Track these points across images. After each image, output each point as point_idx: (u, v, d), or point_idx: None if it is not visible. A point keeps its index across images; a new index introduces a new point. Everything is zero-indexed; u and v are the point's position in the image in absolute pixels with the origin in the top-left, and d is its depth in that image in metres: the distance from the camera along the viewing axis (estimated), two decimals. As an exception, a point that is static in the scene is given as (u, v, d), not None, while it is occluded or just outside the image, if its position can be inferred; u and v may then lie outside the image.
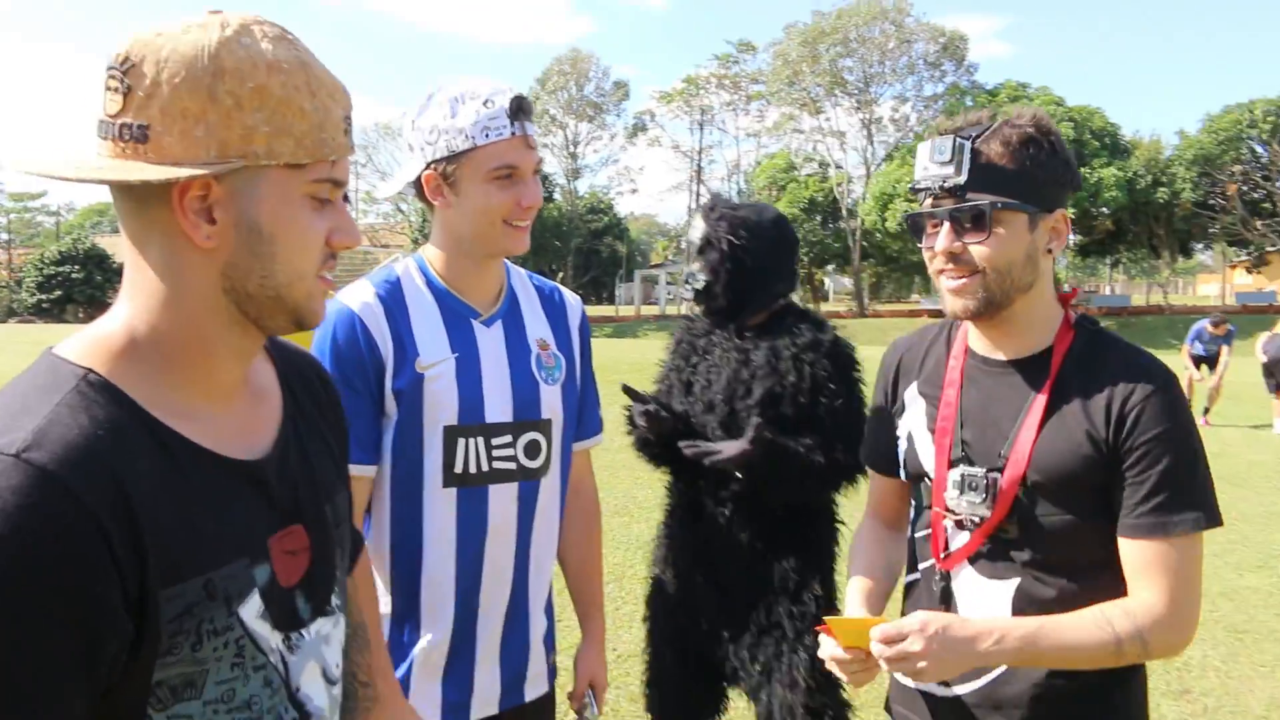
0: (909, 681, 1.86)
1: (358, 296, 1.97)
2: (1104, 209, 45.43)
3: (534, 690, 2.16)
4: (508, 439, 2.01)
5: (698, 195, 68.06)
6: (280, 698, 1.12)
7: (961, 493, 1.73)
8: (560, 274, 59.62)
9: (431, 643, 2.01)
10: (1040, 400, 1.69)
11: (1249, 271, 55.75)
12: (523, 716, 2.14)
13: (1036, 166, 1.64)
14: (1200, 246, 56.95)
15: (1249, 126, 44.85)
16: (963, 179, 1.63)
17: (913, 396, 1.90)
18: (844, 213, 54.14)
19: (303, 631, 1.15)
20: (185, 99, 1.01)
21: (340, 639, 1.23)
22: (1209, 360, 14.64)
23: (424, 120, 1.93)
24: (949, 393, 1.80)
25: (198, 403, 1.09)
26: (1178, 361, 13.90)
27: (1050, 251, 1.71)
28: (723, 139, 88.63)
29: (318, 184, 1.09)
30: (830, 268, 62.68)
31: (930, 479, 1.82)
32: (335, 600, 1.21)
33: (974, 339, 1.82)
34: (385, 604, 2.00)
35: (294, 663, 1.13)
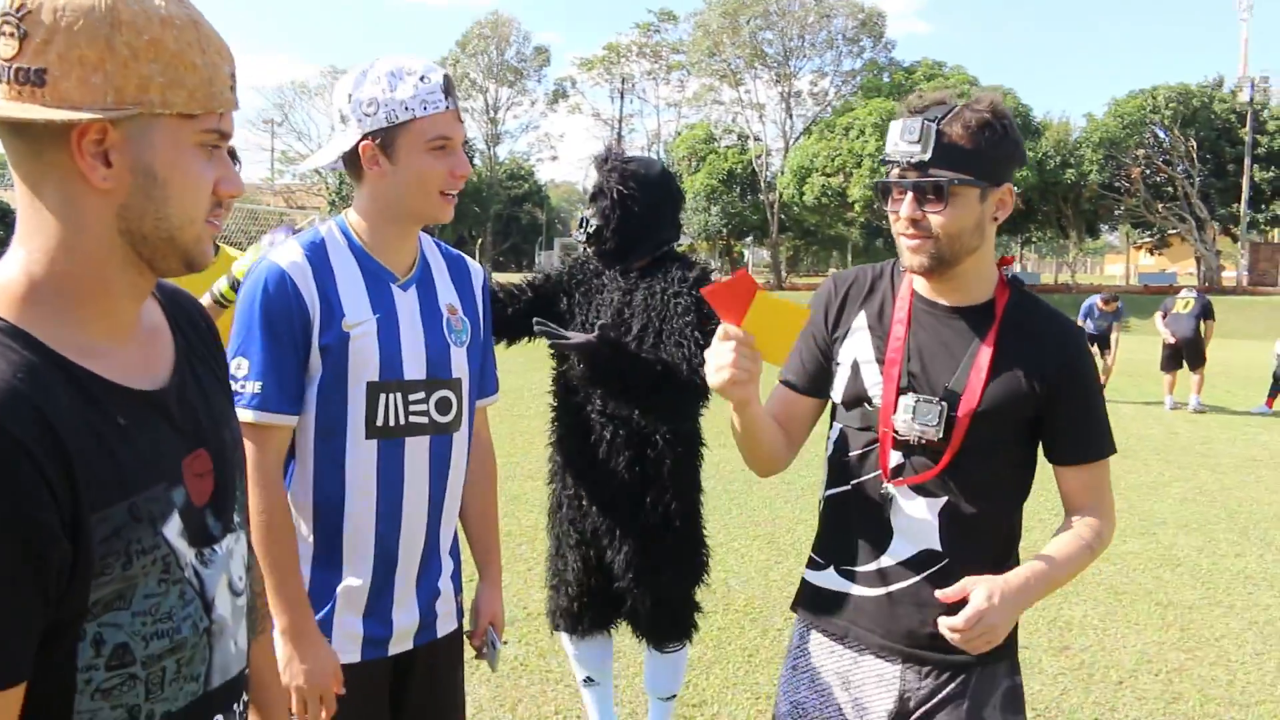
0: (825, 583, 2.15)
1: (287, 255, 2.09)
2: (1015, 188, 46.49)
3: (445, 627, 2.32)
4: (421, 395, 2.16)
5: (618, 164, 68.02)
6: (195, 607, 1.20)
7: (912, 416, 1.99)
8: (480, 240, 59.22)
9: (353, 583, 2.15)
10: (987, 346, 2.00)
11: (1151, 253, 57.56)
12: (434, 652, 2.29)
13: (990, 147, 1.91)
14: (1106, 228, 58.62)
15: (1152, 112, 46.17)
16: (927, 156, 1.90)
17: (859, 325, 2.12)
18: (762, 185, 54.54)
19: (215, 547, 1.25)
20: (83, 46, 1.05)
21: (243, 554, 1.34)
22: (1099, 339, 14.79)
23: (361, 93, 2.05)
24: (897, 329, 2.06)
25: (100, 340, 1.15)
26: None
27: (996, 219, 2.00)
28: (643, 108, 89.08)
29: (207, 134, 1.16)
30: (749, 240, 63.14)
31: (871, 404, 2.06)
32: (237, 518, 1.32)
33: (919, 285, 2.08)
34: (307, 548, 2.13)
35: (208, 576, 1.23)
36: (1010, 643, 2.04)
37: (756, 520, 7.27)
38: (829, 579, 2.15)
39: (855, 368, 2.10)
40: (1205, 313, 14.41)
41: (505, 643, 2.52)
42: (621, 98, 68.56)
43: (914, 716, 2.05)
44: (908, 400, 2.01)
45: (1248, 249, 47.04)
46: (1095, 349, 14.88)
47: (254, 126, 64.21)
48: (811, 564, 2.20)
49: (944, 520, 2.01)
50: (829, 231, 59.10)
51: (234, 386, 1.89)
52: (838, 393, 2.14)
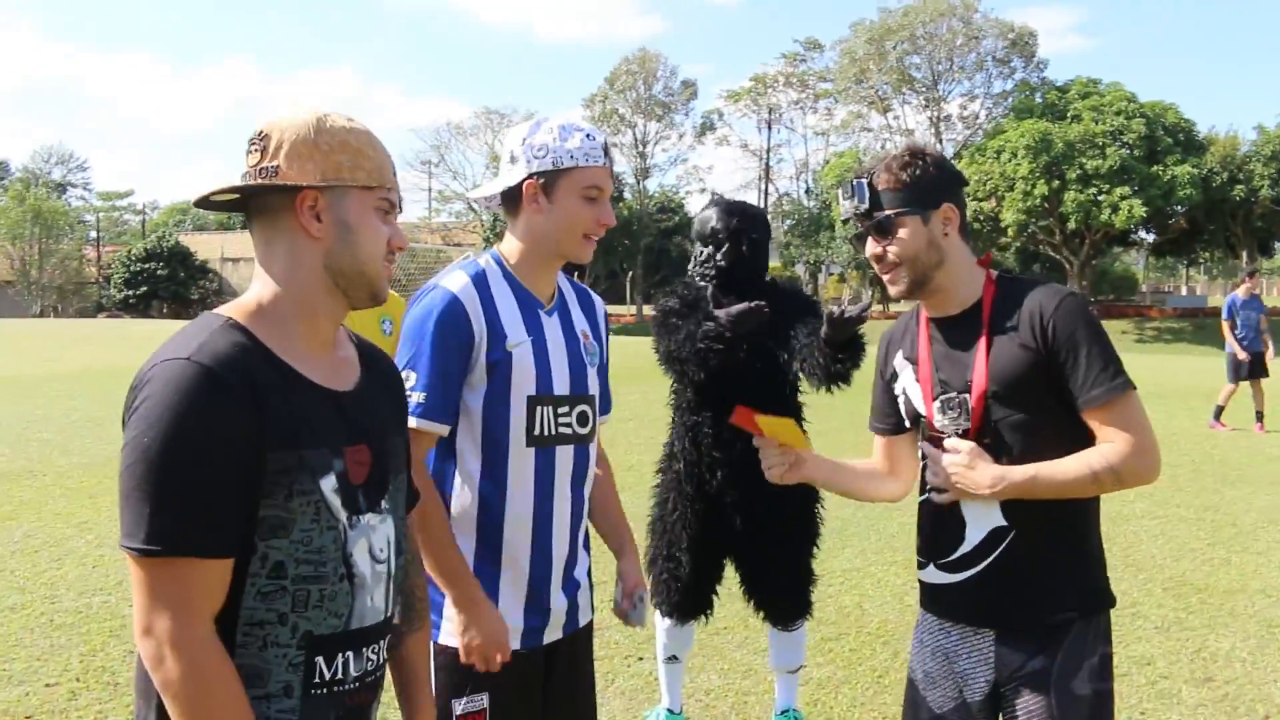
0: (927, 578, 2.43)
1: (457, 282, 2.38)
2: (1179, 207, 44.68)
3: (584, 616, 2.59)
4: (566, 409, 2.45)
5: (767, 194, 68.07)
6: (339, 556, 1.62)
7: (944, 414, 2.32)
8: (630, 273, 60.01)
9: (513, 578, 2.41)
10: (982, 337, 2.27)
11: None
12: (576, 640, 2.56)
13: (915, 180, 2.29)
14: (1281, 245, 55.67)
15: (1330, 122, 43.78)
16: (865, 205, 2.32)
17: (901, 363, 2.47)
18: (912, 211, 53.72)
19: (360, 517, 1.65)
20: (299, 149, 1.63)
21: (388, 534, 1.71)
22: (1254, 358, 13.42)
23: (535, 139, 2.38)
24: (922, 348, 2.39)
25: (303, 348, 1.65)
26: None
27: (948, 235, 2.31)
28: (791, 137, 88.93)
29: (381, 201, 1.69)
30: (899, 266, 62.17)
31: (924, 415, 2.39)
32: (386, 505, 1.71)
33: (927, 308, 2.42)
34: (470, 546, 2.39)
35: (351, 536, 1.64)
36: (1096, 608, 2.30)
37: (894, 546, 7.29)
38: (928, 573, 2.43)
39: (906, 394, 2.45)
40: None
41: (645, 605, 2.73)
42: (769, 128, 68.86)
43: (1009, 686, 2.28)
44: (936, 404, 2.34)
45: None
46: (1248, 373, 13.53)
47: (412, 168, 66.70)
48: (918, 564, 2.48)
49: (1001, 504, 2.26)
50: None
51: None
52: (906, 420, 2.49)
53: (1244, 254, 48.27)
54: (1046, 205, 44.92)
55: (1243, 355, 13.43)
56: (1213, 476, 10.19)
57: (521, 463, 2.38)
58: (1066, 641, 2.24)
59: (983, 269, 2.37)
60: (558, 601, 2.47)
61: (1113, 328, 35.92)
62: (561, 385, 2.43)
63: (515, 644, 2.40)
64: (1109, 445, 2.17)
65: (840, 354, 3.63)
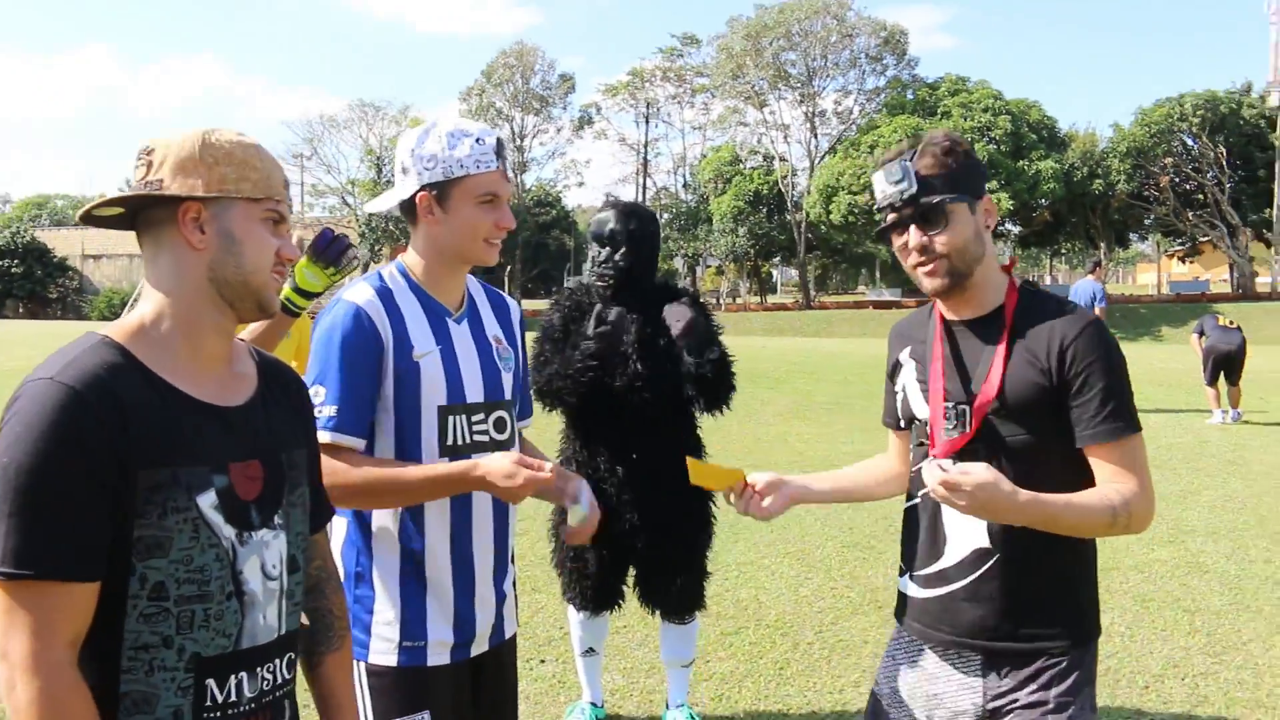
0: (904, 589, 2.32)
1: (361, 294, 2.33)
2: (1042, 200, 46.35)
3: (510, 628, 2.55)
4: (482, 416, 2.41)
5: (645, 189, 68.37)
6: (226, 574, 1.60)
7: (951, 424, 2.19)
8: (509, 267, 59.66)
9: (439, 593, 2.36)
10: (1001, 345, 2.15)
11: (1183, 261, 57.14)
12: (500, 653, 2.52)
13: (959, 166, 2.15)
14: (1136, 237, 58.30)
15: (1179, 120, 45.99)
16: (915, 189, 2.13)
17: (905, 358, 2.38)
18: (789, 205, 54.68)
19: (252, 534, 1.64)
20: (183, 162, 1.63)
21: (281, 550, 1.69)
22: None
23: (423, 149, 2.32)
24: (937, 350, 2.26)
25: (185, 365, 1.63)
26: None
27: (989, 227, 2.21)
28: (668, 132, 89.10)
29: (268, 212, 1.68)
30: (776, 260, 63.28)
31: (920, 421, 2.28)
32: (279, 520, 1.69)
33: (943, 308, 2.29)
34: (394, 564, 2.35)
35: (241, 553, 1.62)
36: (1088, 638, 2.18)
37: (787, 538, 7.39)
38: (905, 584, 2.34)
39: (905, 392, 2.36)
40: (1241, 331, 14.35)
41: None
42: (646, 122, 69.00)
43: (1003, 714, 2.16)
44: (935, 411, 2.23)
45: (1281, 255, 46.61)
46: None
47: (284, 161, 65.03)
48: (899, 571, 2.39)
49: (989, 523, 2.13)
50: (857, 250, 59.14)
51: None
52: (901, 420, 2.40)
53: (1102, 245, 50.41)
54: (918, 199, 45.52)
55: None
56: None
57: None
58: (1061, 671, 2.13)
59: (1006, 274, 2.26)
60: (484, 614, 2.43)
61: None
62: (475, 393, 2.39)
63: (445, 659, 2.37)
64: (1123, 485, 2.06)
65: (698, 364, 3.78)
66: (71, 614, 1.46)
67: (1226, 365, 13.93)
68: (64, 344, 1.61)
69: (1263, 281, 47.56)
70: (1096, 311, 14.20)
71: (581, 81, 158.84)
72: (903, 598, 2.36)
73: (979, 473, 1.94)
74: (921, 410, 2.28)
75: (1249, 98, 47.73)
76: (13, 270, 57.38)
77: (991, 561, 2.15)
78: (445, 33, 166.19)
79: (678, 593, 4.09)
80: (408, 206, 2.37)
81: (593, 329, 3.89)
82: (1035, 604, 2.15)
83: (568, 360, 3.88)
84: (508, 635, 2.53)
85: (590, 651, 4.31)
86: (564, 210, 71.73)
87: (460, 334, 2.42)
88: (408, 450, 2.32)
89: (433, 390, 2.33)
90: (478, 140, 2.31)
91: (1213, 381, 14.11)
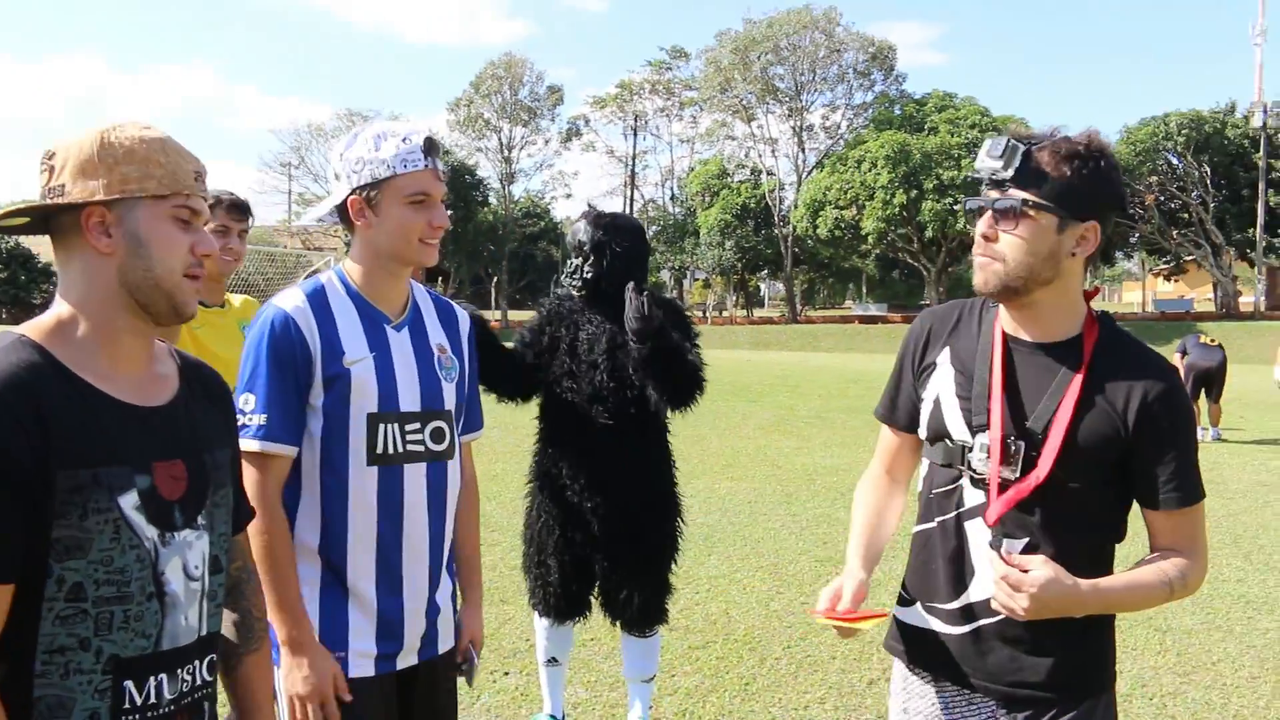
0: (912, 620, 2.18)
1: (290, 300, 2.29)
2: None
3: (445, 643, 2.47)
4: (417, 425, 2.34)
5: (632, 201, 68.43)
6: (147, 574, 1.57)
7: (988, 456, 2.00)
8: (496, 278, 59.58)
9: (363, 603, 2.31)
10: (1076, 382, 1.96)
11: (1168, 279, 57.41)
12: (434, 668, 2.45)
13: (1076, 178, 1.90)
14: (1121, 255, 58.56)
15: (1164, 139, 46.28)
16: (1009, 174, 1.92)
17: (943, 360, 2.14)
18: (776, 219, 54.77)
19: (175, 534, 1.61)
20: (82, 165, 1.57)
21: (204, 550, 1.67)
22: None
23: (350, 153, 2.28)
24: (997, 367, 2.03)
25: (104, 366, 1.59)
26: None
27: (1074, 255, 1.95)
28: (656, 145, 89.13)
29: (178, 209, 1.62)
30: (764, 274, 63.37)
31: (953, 441, 2.07)
32: (202, 520, 1.67)
33: (1004, 320, 2.07)
34: (315, 572, 2.29)
35: (164, 553, 1.59)
36: (1104, 683, 2.06)
37: (760, 552, 7.34)
38: (915, 615, 2.17)
39: (938, 404, 2.12)
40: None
41: (481, 661, 2.65)
42: (635, 135, 69.15)
43: None
44: (983, 439, 2.01)
45: (1265, 274, 46.89)
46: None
47: (271, 169, 64.96)
48: (900, 600, 2.23)
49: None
50: (844, 264, 59.25)
51: (241, 420, 2.11)
52: (923, 429, 2.18)
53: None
54: (905, 214, 45.87)
55: None
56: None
57: (363, 482, 2.28)
58: (1074, 713, 2.01)
59: (1085, 302, 2.06)
60: (412, 626, 2.37)
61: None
62: (410, 401, 2.34)
63: (369, 669, 2.31)
64: (1181, 560, 1.97)
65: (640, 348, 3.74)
66: None
67: (1207, 382, 13.97)
68: None
69: (1246, 301, 47.76)
70: None
71: (570, 94, 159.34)
72: (911, 631, 2.19)
73: (1041, 571, 1.85)
74: (958, 431, 2.07)
75: (1233, 118, 48.05)
76: (-4, 275, 57.06)
77: None
78: (434, 43, 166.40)
79: (639, 605, 4.03)
80: (342, 212, 2.32)
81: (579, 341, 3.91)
82: (1062, 650, 2.02)
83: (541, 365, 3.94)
84: (441, 650, 2.46)
85: (553, 661, 4.25)
86: (552, 222, 71.62)
87: (399, 341, 2.36)
88: (333, 456, 2.27)
89: (362, 397, 2.27)
90: (404, 140, 2.26)
91: (1193, 399, 14.10)
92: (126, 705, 1.55)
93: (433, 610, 2.41)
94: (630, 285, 3.75)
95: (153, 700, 1.59)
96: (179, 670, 1.62)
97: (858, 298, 70.26)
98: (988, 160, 1.95)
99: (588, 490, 3.90)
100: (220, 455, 1.76)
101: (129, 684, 1.55)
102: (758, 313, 68.36)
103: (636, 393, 3.85)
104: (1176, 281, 56.87)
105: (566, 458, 3.95)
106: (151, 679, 1.58)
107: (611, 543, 3.93)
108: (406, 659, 2.37)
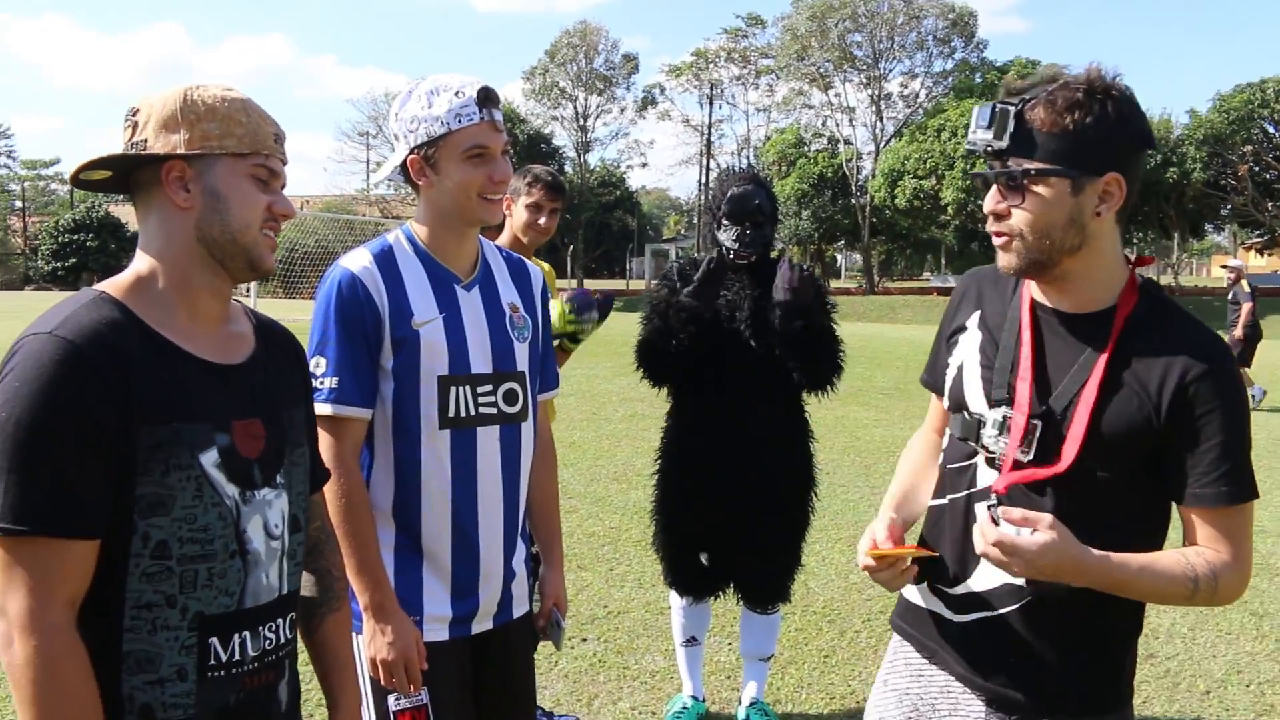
0: (916, 598, 2.05)
1: (357, 261, 2.26)
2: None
3: (519, 608, 2.45)
4: (489, 388, 2.30)
5: (708, 170, 68.01)
6: (230, 532, 1.59)
7: (1000, 433, 1.83)
8: (571, 247, 59.76)
9: (437, 567, 2.29)
10: (1101, 361, 1.75)
11: (1261, 253, 55.57)
12: (509, 632, 2.42)
13: (1082, 129, 1.68)
14: (1212, 228, 56.80)
15: (1260, 106, 44.61)
16: (1004, 144, 1.72)
17: (971, 323, 1.99)
18: (853, 189, 54.07)
19: (255, 492, 1.63)
20: (165, 121, 1.59)
21: (284, 509, 1.69)
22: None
23: (405, 112, 2.23)
24: (1025, 342, 1.85)
25: (183, 323, 1.61)
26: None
27: (1100, 214, 1.74)
28: (732, 113, 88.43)
29: (257, 169, 1.64)
30: (840, 244, 62.68)
31: (970, 414, 1.91)
32: (280, 479, 1.69)
33: (1034, 288, 1.89)
34: (390, 535, 2.28)
35: (245, 511, 1.61)
36: (1112, 702, 1.88)
37: (840, 524, 7.26)
38: (921, 594, 2.04)
39: (960, 371, 1.97)
40: None
41: (568, 623, 2.63)
42: (710, 103, 68.55)
43: None
44: (996, 415, 1.85)
45: (1364, 247, 45.15)
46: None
47: (349, 139, 65.66)
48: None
49: None
50: (922, 235, 58.28)
51: (313, 384, 2.07)
52: (945, 398, 2.02)
53: (1176, 235, 49.21)
54: (985, 184, 44.88)
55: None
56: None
57: (435, 446, 2.25)
58: None
59: (1127, 268, 1.84)
60: (487, 591, 2.35)
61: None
62: (481, 363, 2.29)
63: (443, 634, 2.30)
64: (1215, 556, 1.73)
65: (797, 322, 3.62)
66: (69, 572, 1.46)
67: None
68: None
69: (1343, 275, 46.10)
70: None
71: (645, 62, 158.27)
72: (911, 606, 2.06)
73: (1044, 534, 1.66)
74: (976, 404, 1.91)
75: (1335, 84, 46.18)
76: (88, 244, 58.56)
77: (1024, 600, 1.84)
78: (509, 11, 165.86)
79: (772, 581, 3.96)
80: (404, 173, 2.28)
81: (695, 287, 3.69)
82: (1064, 657, 1.84)
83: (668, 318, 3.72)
84: (516, 615, 2.44)
85: (692, 641, 4.14)
86: (627, 191, 71.57)
87: (469, 301, 2.32)
88: (405, 420, 2.24)
89: (432, 359, 2.24)
90: (457, 93, 2.19)
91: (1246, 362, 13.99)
92: (212, 661, 1.58)
93: (508, 575, 2.39)
94: (786, 257, 3.66)
95: (236, 657, 1.61)
96: (260, 628, 1.65)
97: (935, 269, 69.12)
98: (979, 132, 1.75)
99: (728, 464, 3.76)
100: (296, 414, 1.78)
101: (214, 640, 1.58)
102: (834, 284, 67.58)
103: (780, 362, 3.73)
104: (1270, 255, 54.96)
105: (704, 431, 3.81)
106: (235, 636, 1.61)
107: (751, 517, 3.81)
108: (481, 624, 2.35)
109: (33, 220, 72.78)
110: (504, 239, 4.00)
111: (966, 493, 1.92)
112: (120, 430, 1.47)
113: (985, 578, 1.88)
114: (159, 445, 1.51)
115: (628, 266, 64.23)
